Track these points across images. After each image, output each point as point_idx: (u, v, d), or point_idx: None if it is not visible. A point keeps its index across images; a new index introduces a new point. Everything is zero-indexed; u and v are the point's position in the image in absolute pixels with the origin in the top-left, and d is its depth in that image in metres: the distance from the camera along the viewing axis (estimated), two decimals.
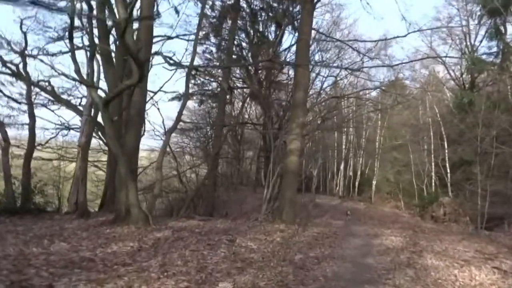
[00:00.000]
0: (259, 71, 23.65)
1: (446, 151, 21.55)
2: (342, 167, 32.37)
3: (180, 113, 12.20)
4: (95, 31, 12.99)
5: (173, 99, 21.56)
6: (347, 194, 30.80)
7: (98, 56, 13.07)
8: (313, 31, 15.66)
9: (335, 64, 21.90)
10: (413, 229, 13.70)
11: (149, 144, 40.46)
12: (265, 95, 22.48)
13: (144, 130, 17.11)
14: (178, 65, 11.92)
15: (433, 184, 22.83)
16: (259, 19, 22.33)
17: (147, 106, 16.21)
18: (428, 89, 26.25)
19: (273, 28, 22.82)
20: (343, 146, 32.44)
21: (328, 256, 7.62)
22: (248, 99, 24.79)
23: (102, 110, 9.71)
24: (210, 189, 19.43)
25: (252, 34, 22.64)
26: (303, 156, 18.88)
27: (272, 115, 20.82)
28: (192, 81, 22.10)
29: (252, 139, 30.50)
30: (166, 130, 18.15)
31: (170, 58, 10.27)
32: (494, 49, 24.10)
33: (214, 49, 22.24)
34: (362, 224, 14.49)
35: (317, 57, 22.34)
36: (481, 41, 24.55)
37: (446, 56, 24.98)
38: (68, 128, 17.22)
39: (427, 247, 9.09)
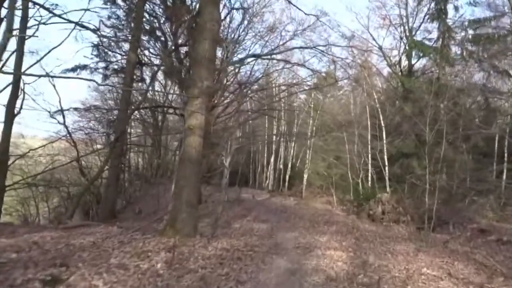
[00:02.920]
0: (179, 46, 19.89)
1: (385, 142, 19.44)
2: (272, 159, 29.71)
3: None
4: None
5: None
6: (277, 188, 28.23)
7: None
8: None
9: None
10: (354, 234, 11.06)
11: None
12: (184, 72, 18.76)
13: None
14: None
15: (369, 178, 20.67)
16: None
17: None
18: (363, 76, 24.15)
19: None
20: (274, 138, 29.74)
21: None
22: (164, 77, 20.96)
23: None
24: (112, 183, 15.54)
25: None
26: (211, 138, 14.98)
27: None
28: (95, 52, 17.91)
29: (177, 127, 26.88)
30: None
31: None
32: (434, 34, 22.33)
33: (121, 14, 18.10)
34: (291, 228, 11.48)
35: None
36: (420, 25, 22.70)
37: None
38: None
39: (383, 271, 6.22)
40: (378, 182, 20.09)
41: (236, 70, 18.72)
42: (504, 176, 16.26)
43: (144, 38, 17.71)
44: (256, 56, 17.82)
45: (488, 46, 19.77)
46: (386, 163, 19.35)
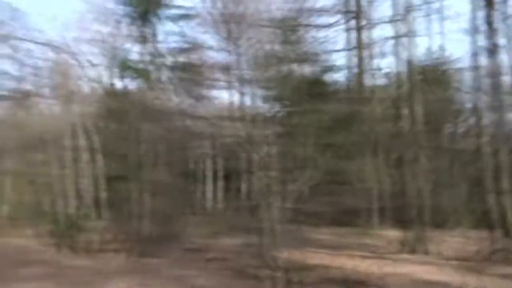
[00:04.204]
0: None
1: (98, 164, 18.11)
2: None
3: None
4: None
5: None
6: None
7: None
8: None
9: None
10: (59, 276, 9.31)
11: None
12: None
13: None
14: None
15: (77, 204, 18.73)
16: None
17: None
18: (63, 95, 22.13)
19: None
20: None
21: None
22: None
23: None
24: None
25: None
26: None
27: None
28: None
29: None
30: None
31: None
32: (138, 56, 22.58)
33: None
34: None
35: None
36: (131, 46, 22.55)
37: None
38: None
39: None
40: (87, 208, 18.49)
41: None
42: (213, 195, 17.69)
43: None
44: None
45: (186, 74, 21.48)
46: (93, 188, 18.09)
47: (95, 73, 23.52)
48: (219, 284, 8.33)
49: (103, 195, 17.64)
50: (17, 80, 17.93)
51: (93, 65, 22.57)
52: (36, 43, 13.12)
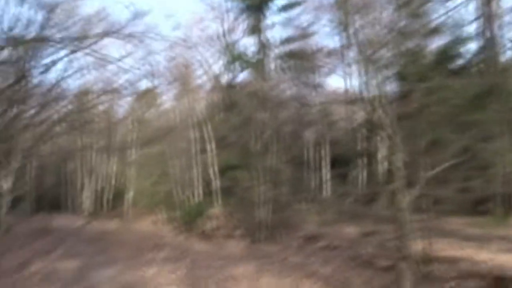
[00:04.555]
0: None
1: (213, 154, 18.88)
2: (90, 178, 26.31)
3: None
4: None
5: None
6: (97, 211, 25.02)
7: None
8: None
9: None
10: (186, 259, 9.78)
11: None
12: None
13: None
14: None
15: (197, 193, 19.74)
16: None
17: None
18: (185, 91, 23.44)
19: None
20: (93, 154, 26.37)
21: None
22: None
23: None
24: None
25: None
26: None
27: None
28: None
29: None
30: None
31: None
32: (252, 49, 23.03)
33: None
34: (109, 262, 9.52)
35: None
36: (241, 38, 23.09)
37: None
38: None
39: None
40: (207, 196, 19.36)
41: None
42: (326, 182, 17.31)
43: None
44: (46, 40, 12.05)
45: (298, 62, 21.26)
46: (213, 176, 18.82)
47: (211, 67, 24.55)
48: (338, 273, 7.91)
49: (219, 183, 18.31)
50: (139, 77, 19.40)
51: (209, 59, 23.57)
52: (156, 40, 14.00)
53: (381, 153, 18.53)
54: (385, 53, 11.21)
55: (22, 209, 21.68)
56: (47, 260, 9.55)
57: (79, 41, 12.01)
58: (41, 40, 11.50)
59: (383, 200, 10.12)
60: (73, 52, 12.50)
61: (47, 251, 11.21)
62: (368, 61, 8.73)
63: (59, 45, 11.81)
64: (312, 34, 22.60)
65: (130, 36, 12.56)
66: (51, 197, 25.33)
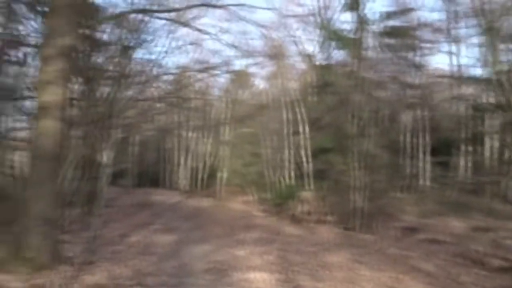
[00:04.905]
0: None
1: (306, 136, 18.42)
2: (186, 156, 27.53)
3: None
4: None
5: None
6: (192, 189, 26.18)
7: None
8: None
9: None
10: (277, 242, 9.64)
11: None
12: None
13: None
14: None
15: (289, 175, 19.53)
16: None
17: None
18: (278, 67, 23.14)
19: None
20: (189, 132, 27.47)
21: None
22: None
23: None
24: None
25: None
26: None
27: None
28: None
29: None
30: None
31: None
32: (348, 25, 21.84)
33: None
34: (204, 239, 9.73)
35: None
36: (334, 15, 22.05)
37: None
38: None
39: None
40: (299, 179, 19.05)
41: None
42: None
43: None
44: (145, 12, 12.32)
45: (399, 39, 19.76)
46: (305, 159, 18.40)
47: (305, 47, 23.96)
48: (443, 270, 7.13)
49: (311, 166, 17.86)
50: (233, 57, 19.56)
51: (303, 38, 23.00)
52: (251, 13, 14.04)
53: (490, 140, 16.73)
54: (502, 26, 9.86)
55: (124, 184, 23.35)
56: (145, 234, 10.03)
57: (177, 11, 12.86)
58: (143, 11, 12.11)
59: (493, 191, 9.02)
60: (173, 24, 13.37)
61: (146, 224, 11.84)
62: (492, 31, 7.62)
63: (161, 16, 12.60)
64: (412, 8, 20.87)
65: (226, 7, 12.77)
66: (151, 173, 26.92)
